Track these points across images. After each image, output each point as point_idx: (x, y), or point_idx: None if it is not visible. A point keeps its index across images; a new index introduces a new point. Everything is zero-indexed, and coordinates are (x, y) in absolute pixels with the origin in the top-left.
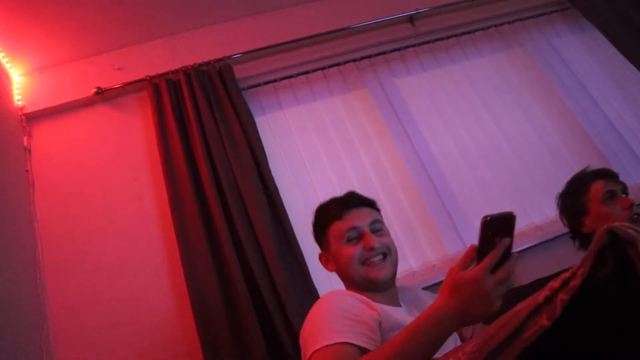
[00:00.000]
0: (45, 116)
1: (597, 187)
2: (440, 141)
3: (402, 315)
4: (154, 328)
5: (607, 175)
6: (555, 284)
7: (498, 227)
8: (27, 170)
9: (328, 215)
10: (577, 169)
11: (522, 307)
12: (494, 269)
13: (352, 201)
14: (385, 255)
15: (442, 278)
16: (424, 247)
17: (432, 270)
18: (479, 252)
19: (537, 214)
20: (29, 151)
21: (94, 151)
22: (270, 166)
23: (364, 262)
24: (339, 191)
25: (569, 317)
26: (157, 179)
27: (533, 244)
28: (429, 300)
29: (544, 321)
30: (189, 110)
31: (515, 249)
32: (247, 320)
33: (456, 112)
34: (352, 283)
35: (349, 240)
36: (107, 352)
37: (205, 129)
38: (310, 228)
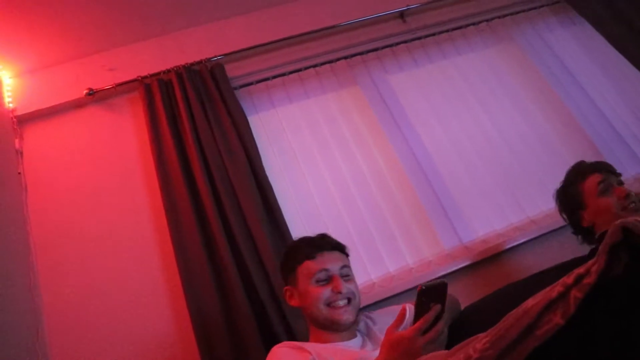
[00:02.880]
0: (37, 118)
1: (591, 181)
2: (433, 136)
3: (348, 349)
4: (150, 330)
5: (599, 168)
6: (568, 279)
7: (432, 294)
8: (19, 173)
9: (300, 253)
10: (571, 162)
11: (534, 303)
12: (426, 330)
13: (325, 244)
14: (349, 300)
15: (439, 274)
16: (420, 243)
17: (428, 266)
18: (416, 314)
19: (531, 208)
20: (21, 154)
21: (86, 153)
22: (264, 165)
23: (330, 303)
24: (334, 190)
25: (581, 315)
26: (150, 179)
27: (528, 238)
28: (388, 318)
29: (558, 319)
30: (181, 110)
31: (511, 243)
32: (245, 322)
33: (449, 107)
34: (314, 320)
35: (317, 281)
36: (102, 353)
37: (197, 128)
38: (303, 224)
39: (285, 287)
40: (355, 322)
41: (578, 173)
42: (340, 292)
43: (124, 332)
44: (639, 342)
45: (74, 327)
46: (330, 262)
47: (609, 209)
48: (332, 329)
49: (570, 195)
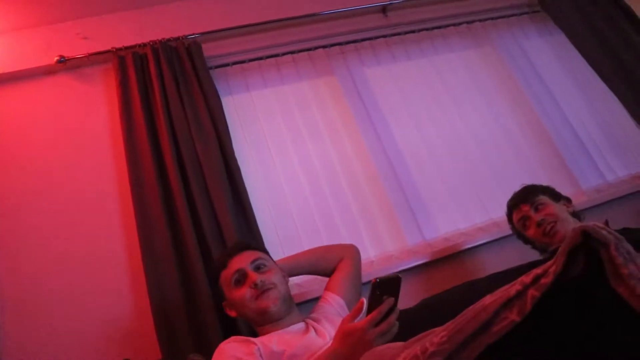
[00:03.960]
0: (3, 82)
1: (515, 218)
2: (405, 132)
3: (289, 334)
4: (108, 303)
5: (518, 202)
6: (526, 279)
7: (386, 287)
8: None
9: (216, 270)
10: (537, 168)
11: (492, 300)
12: (379, 322)
13: (233, 249)
14: (271, 289)
15: (400, 268)
16: (384, 237)
17: (389, 260)
18: (369, 306)
19: (496, 210)
20: None
21: (53, 121)
22: (234, 148)
23: (255, 297)
24: (302, 178)
25: (536, 314)
26: (118, 153)
27: (490, 239)
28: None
29: (514, 316)
30: (154, 85)
31: (472, 243)
32: (205, 308)
33: (423, 104)
34: (250, 320)
35: (235, 284)
36: (56, 332)
37: (170, 105)
38: (270, 211)
39: (223, 303)
40: (290, 309)
41: (508, 210)
42: (255, 284)
43: (81, 313)
44: (591, 340)
45: (29, 302)
46: (239, 263)
47: (534, 239)
48: (267, 320)
49: (512, 227)
